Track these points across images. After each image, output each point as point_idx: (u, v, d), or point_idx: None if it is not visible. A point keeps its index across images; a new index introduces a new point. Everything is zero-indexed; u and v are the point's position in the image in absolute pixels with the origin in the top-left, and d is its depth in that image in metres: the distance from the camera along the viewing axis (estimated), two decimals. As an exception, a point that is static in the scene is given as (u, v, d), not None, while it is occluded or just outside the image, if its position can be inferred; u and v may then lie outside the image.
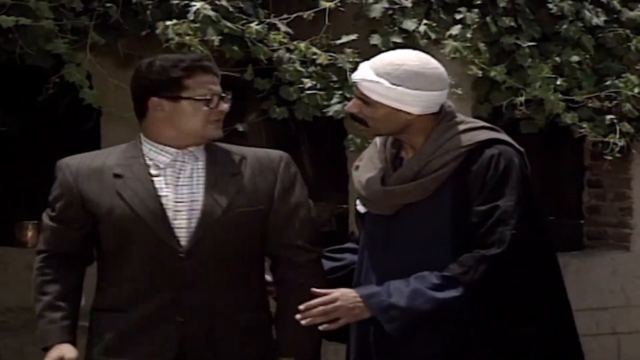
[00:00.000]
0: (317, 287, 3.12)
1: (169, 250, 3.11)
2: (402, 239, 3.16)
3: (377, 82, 3.10)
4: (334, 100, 5.23)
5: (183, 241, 3.12)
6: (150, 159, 3.17)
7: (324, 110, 5.22)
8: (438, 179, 3.11)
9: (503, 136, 3.20)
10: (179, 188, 3.15)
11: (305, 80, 5.21)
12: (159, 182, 3.15)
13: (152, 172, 3.16)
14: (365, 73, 3.14)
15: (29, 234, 6.59)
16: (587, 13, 5.71)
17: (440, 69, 3.18)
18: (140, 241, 3.12)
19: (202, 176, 3.17)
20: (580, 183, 6.63)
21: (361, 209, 3.32)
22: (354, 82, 3.20)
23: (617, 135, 5.64)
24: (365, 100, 3.14)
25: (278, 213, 3.19)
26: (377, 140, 3.31)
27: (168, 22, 4.96)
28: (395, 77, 3.09)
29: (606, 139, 5.65)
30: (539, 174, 7.07)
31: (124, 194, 3.12)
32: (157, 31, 4.99)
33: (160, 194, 3.13)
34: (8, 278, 6.33)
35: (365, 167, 3.28)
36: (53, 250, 3.26)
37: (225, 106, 3.17)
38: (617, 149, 5.64)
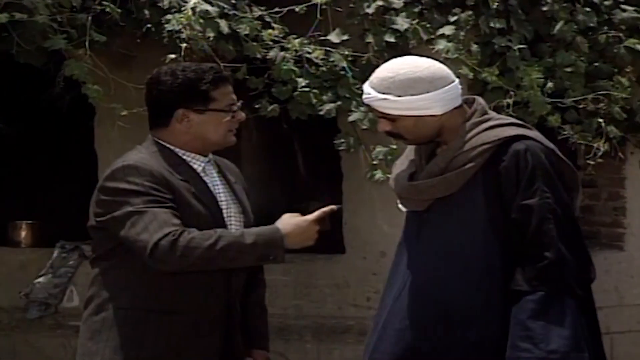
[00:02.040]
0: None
1: None
2: (432, 233, 3.22)
3: (385, 99, 3.16)
4: (327, 98, 5.24)
5: None
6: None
7: (318, 109, 5.23)
8: (464, 174, 3.16)
9: (532, 132, 3.24)
10: (219, 195, 3.30)
11: (299, 79, 5.21)
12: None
13: (203, 177, 3.29)
14: (369, 94, 3.21)
15: (23, 233, 6.57)
16: (580, 14, 5.70)
17: (433, 66, 3.22)
18: None
19: (223, 184, 3.34)
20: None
21: (402, 207, 3.39)
22: (367, 104, 3.28)
23: (603, 140, 5.64)
24: (388, 118, 3.20)
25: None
26: None
27: (176, 15, 4.97)
28: (395, 89, 3.16)
29: (590, 143, 5.64)
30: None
31: (201, 196, 3.22)
32: (165, 24, 5.00)
33: (219, 199, 3.29)
34: (1, 278, 6.31)
35: (401, 164, 3.37)
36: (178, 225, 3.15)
37: (242, 115, 3.32)
38: (600, 153, 5.64)
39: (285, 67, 5.17)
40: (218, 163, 3.40)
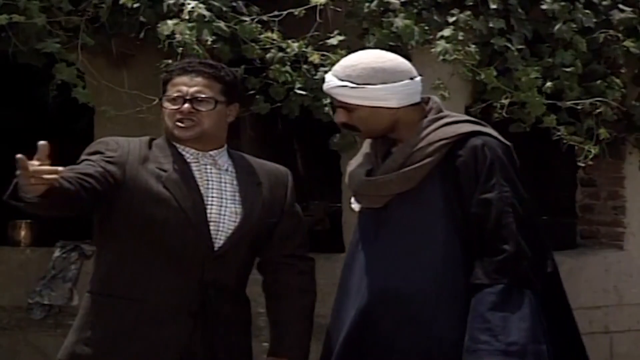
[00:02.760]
0: (315, 292, 3.37)
1: (202, 248, 3.22)
2: (391, 229, 3.23)
3: (343, 85, 3.18)
4: (324, 102, 5.23)
5: (217, 243, 3.24)
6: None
7: (314, 114, 5.24)
8: (422, 169, 3.18)
9: (487, 129, 3.27)
10: (210, 191, 3.27)
11: (295, 81, 5.21)
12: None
13: (194, 169, 3.28)
14: (330, 81, 3.23)
15: (22, 232, 6.57)
16: (579, 14, 5.69)
17: (397, 60, 3.26)
18: (178, 235, 3.20)
19: (231, 183, 3.31)
20: (573, 182, 6.64)
21: (355, 206, 3.38)
22: (326, 91, 3.29)
23: (593, 142, 5.64)
24: (346, 107, 3.22)
25: (285, 225, 3.37)
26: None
27: (169, 21, 4.97)
28: (356, 77, 3.18)
29: (580, 145, 5.64)
30: (532, 172, 7.08)
31: (170, 187, 3.21)
32: (158, 29, 4.99)
33: (207, 194, 3.26)
34: (1, 277, 6.31)
35: (356, 161, 3.37)
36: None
37: (185, 107, 3.24)
38: (591, 156, 5.64)
39: (283, 70, 5.18)
40: (235, 159, 3.37)
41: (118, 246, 3.26)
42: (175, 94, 3.25)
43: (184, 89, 3.25)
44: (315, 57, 5.20)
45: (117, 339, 3.20)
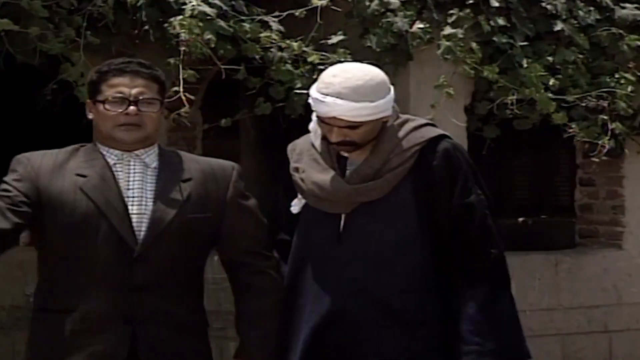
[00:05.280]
0: (280, 292, 3.27)
1: (126, 250, 3.10)
2: (360, 235, 3.21)
3: (362, 107, 3.13)
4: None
5: (140, 242, 3.12)
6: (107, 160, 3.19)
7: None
8: (398, 176, 3.20)
9: (446, 132, 3.32)
10: (130, 191, 3.15)
11: (296, 80, 5.21)
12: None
13: (116, 171, 3.17)
14: (339, 104, 3.13)
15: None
16: (580, 12, 5.70)
17: (378, 69, 3.26)
18: (100, 240, 3.09)
19: (152, 181, 3.17)
20: (572, 181, 6.64)
21: (296, 209, 3.34)
22: (329, 116, 3.17)
23: (608, 137, 5.65)
24: (352, 126, 3.17)
25: (232, 220, 3.24)
26: (316, 141, 3.32)
27: (177, 18, 4.97)
28: (370, 94, 3.14)
29: (595, 141, 5.66)
30: (531, 171, 7.09)
31: (89, 192, 3.11)
32: (167, 26, 4.99)
33: (123, 193, 3.14)
34: (1, 278, 6.30)
35: (312, 167, 3.29)
36: None
37: (132, 109, 3.13)
38: (605, 151, 5.65)
39: (283, 68, 5.17)
40: (164, 157, 3.23)
41: (49, 259, 3.17)
42: (118, 96, 3.13)
43: (126, 90, 3.13)
44: (314, 58, 5.20)
45: (56, 354, 3.11)
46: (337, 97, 3.13)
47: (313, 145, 3.33)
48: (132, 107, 3.12)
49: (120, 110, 3.12)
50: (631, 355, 6.28)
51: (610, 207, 6.41)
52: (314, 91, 3.22)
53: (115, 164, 3.17)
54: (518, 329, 3.23)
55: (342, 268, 3.21)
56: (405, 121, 3.28)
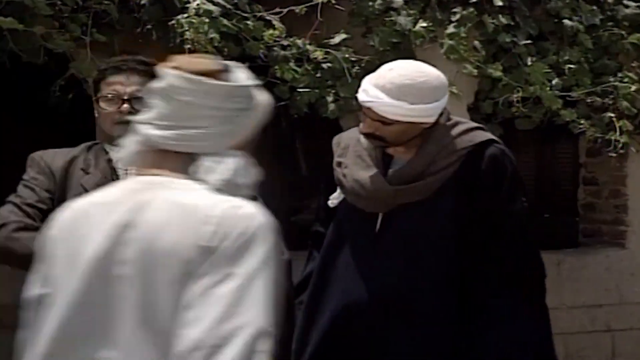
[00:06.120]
0: (289, 288, 3.23)
1: None
2: (398, 236, 3.18)
3: (397, 105, 3.07)
4: (329, 99, 5.23)
5: None
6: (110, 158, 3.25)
7: (320, 111, 5.23)
8: (441, 179, 3.15)
9: (495, 137, 3.26)
10: None
11: (300, 78, 5.21)
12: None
13: (118, 169, 3.21)
14: (379, 96, 3.09)
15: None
16: (583, 11, 5.70)
17: (441, 75, 3.18)
18: None
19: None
20: (575, 180, 6.63)
21: (334, 203, 3.34)
22: (365, 105, 3.14)
23: (617, 133, 5.65)
24: (383, 121, 3.12)
25: None
26: (362, 137, 3.29)
27: (182, 16, 4.97)
28: (412, 96, 3.07)
29: (606, 137, 5.66)
30: (534, 171, 7.07)
31: (89, 188, 3.11)
32: (174, 24, 4.99)
33: None
34: (2, 275, 6.30)
35: (355, 164, 3.29)
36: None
37: (125, 107, 3.17)
38: (620, 145, 5.67)
39: (287, 67, 5.17)
40: None
41: None
42: (112, 94, 3.19)
43: (121, 88, 3.18)
44: (318, 54, 5.20)
45: None
46: (380, 90, 3.09)
47: (359, 141, 3.31)
48: (125, 105, 3.16)
49: (114, 108, 3.18)
50: (634, 355, 6.28)
51: (614, 207, 6.41)
52: (366, 78, 3.18)
53: (116, 161, 3.21)
54: (551, 340, 3.18)
55: (375, 267, 3.19)
56: (455, 124, 3.22)
